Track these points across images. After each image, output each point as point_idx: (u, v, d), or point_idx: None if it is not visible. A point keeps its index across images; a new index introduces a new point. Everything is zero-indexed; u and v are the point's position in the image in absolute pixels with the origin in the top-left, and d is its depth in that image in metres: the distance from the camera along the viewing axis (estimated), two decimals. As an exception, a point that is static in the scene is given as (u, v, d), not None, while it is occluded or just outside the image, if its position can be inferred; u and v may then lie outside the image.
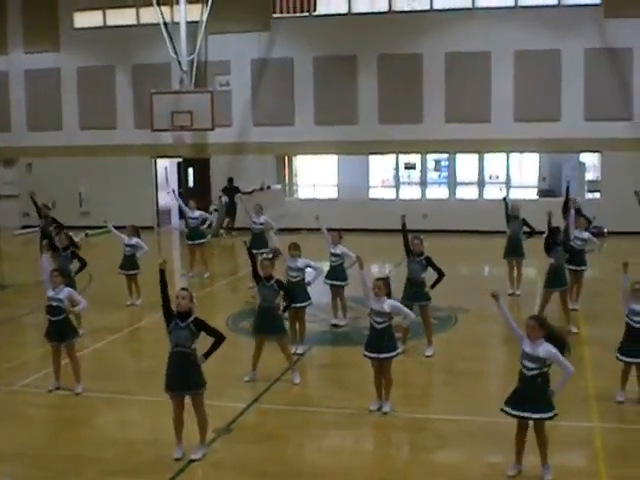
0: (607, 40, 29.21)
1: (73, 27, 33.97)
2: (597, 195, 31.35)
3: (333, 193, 33.76)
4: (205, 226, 22.37)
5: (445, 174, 35.03)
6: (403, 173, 34.77)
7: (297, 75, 31.90)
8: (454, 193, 32.67)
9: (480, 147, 30.90)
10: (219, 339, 9.76)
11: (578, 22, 29.29)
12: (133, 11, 33.26)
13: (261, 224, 20.60)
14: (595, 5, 29.29)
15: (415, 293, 14.25)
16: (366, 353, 11.30)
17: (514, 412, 9.10)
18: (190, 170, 33.93)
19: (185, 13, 30.47)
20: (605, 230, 28.65)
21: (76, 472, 9.52)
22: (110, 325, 16.64)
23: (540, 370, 8.95)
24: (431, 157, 34.55)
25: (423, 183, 33.01)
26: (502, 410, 9.17)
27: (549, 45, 29.49)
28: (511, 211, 19.44)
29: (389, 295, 11.18)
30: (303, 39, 31.71)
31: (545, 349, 8.94)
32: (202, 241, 22.15)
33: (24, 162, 34.77)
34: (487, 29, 29.95)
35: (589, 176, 33.91)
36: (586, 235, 17.27)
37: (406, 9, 31.57)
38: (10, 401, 12.12)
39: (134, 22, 33.29)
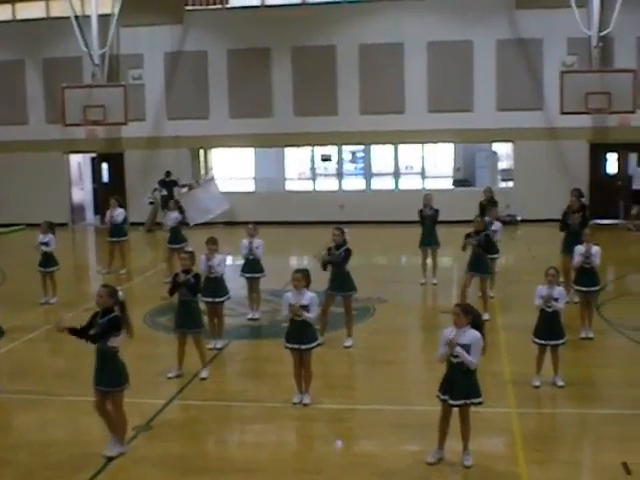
0: (518, 31, 29.67)
1: (-20, 21, 33.26)
2: (510, 184, 31.84)
3: (250, 186, 33.72)
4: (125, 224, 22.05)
5: (361, 165, 35.28)
6: (319, 165, 34.89)
7: (211, 68, 31.71)
8: (370, 184, 32.85)
9: (395, 138, 31.12)
10: (90, 338, 9.42)
11: (490, 13, 29.69)
12: (43, 4, 32.71)
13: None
14: (506, -4, 29.76)
15: (339, 284, 14.29)
16: (287, 345, 11.26)
17: (442, 397, 9.22)
18: (104, 165, 33.49)
19: (96, 6, 30.02)
20: (518, 218, 29.20)
21: (-8, 475, 9.35)
22: (25, 324, 16.30)
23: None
24: (347, 149, 34.76)
25: (339, 174, 33.14)
26: (437, 396, 9.27)
27: (461, 36, 29.85)
28: (424, 201, 19.63)
29: (308, 286, 11.21)
30: (216, 32, 31.53)
31: (471, 335, 9.04)
32: (124, 239, 21.88)
33: None
34: (400, 20, 30.16)
35: (502, 165, 34.48)
36: (498, 225, 17.56)
37: (319, 1, 31.61)
38: None
39: (44, 15, 32.72)
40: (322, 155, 34.95)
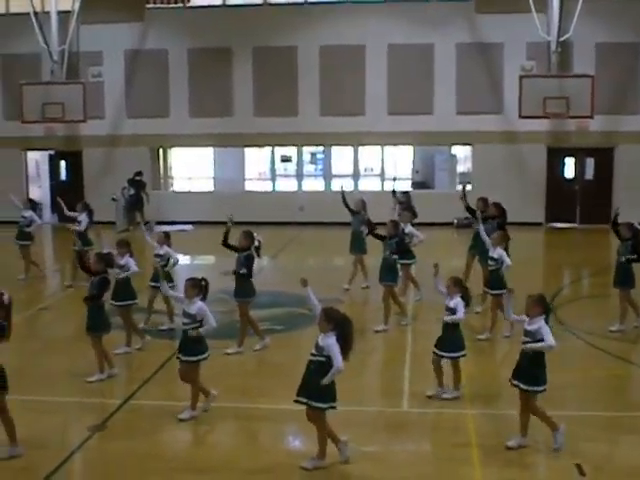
0: (478, 35, 29.86)
1: (-62, 15, 32.85)
2: (469, 187, 31.95)
3: (209, 186, 33.63)
4: (31, 228, 20.78)
5: (321, 167, 35.35)
6: (279, 166, 34.91)
7: (172, 67, 31.57)
8: (330, 185, 32.89)
9: (355, 140, 31.19)
10: None
11: (450, 17, 29.87)
12: (2, 0, 32.36)
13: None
14: (466, 1, 29.90)
15: (236, 290, 14.08)
16: (178, 355, 11.01)
17: (295, 397, 9.26)
18: (62, 163, 33.25)
19: (56, 2, 29.79)
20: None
21: None
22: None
23: (317, 358, 9.11)
24: (307, 150, 34.80)
25: (299, 175, 33.13)
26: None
27: (422, 39, 29.99)
28: (354, 206, 19.33)
29: (204, 297, 10.93)
30: (177, 30, 31.40)
31: (326, 340, 9.05)
32: (26, 242, 20.73)
33: None
34: (361, 23, 30.24)
35: (460, 168, 34.67)
36: (411, 229, 17.28)
37: (281, 2, 31.60)
38: None
39: (3, 11, 32.38)
40: (282, 156, 34.96)
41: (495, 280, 14.64)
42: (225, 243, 13.95)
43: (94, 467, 9.57)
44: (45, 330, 16.24)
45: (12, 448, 9.57)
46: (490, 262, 14.75)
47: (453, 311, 11.37)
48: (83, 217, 19.73)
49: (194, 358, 10.81)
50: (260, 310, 15.66)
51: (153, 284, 15.19)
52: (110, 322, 12.79)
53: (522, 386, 9.71)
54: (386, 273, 15.60)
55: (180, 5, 31.57)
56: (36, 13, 29.72)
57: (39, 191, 33.93)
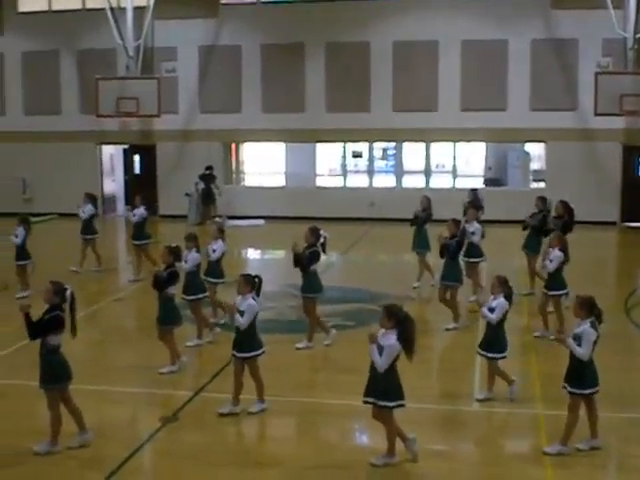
0: (553, 31, 29.47)
1: (17, 11, 33.41)
2: (542, 184, 31.64)
3: (280, 181, 33.76)
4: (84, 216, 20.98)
5: (392, 163, 35.28)
6: (350, 161, 34.90)
7: (245, 62, 31.72)
8: (401, 181, 32.78)
9: (427, 136, 30.98)
10: (29, 333, 9.41)
11: (525, 13, 29.49)
12: (79, -4, 32.91)
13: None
14: (541, -4, 29.59)
15: (303, 284, 14.03)
16: (233, 352, 10.91)
17: (363, 398, 9.22)
18: (136, 157, 33.63)
19: (131, -2, 30.23)
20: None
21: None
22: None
23: None
24: (378, 145, 34.72)
25: (370, 171, 33.07)
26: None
27: (496, 35, 29.66)
28: (420, 203, 19.01)
29: (257, 294, 10.88)
30: (251, 26, 31.54)
31: (386, 340, 8.96)
32: (91, 236, 21.00)
33: (-34, 148, 34.17)
34: (435, 18, 30.04)
35: (534, 166, 34.30)
36: (475, 227, 16.79)
37: (354, -3, 31.57)
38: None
39: (80, 7, 32.86)
40: (353, 151, 34.96)
41: (552, 281, 14.36)
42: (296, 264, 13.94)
43: (163, 458, 9.66)
44: (117, 321, 16.45)
45: (82, 435, 9.72)
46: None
47: (494, 311, 11.15)
48: (140, 210, 20.14)
49: (248, 354, 10.79)
50: (331, 305, 15.75)
51: (204, 277, 15.12)
52: (181, 315, 12.94)
53: (569, 389, 9.51)
54: (447, 273, 15.33)
55: (254, 1, 31.73)
56: (112, 9, 30.16)
57: (113, 185, 34.38)
